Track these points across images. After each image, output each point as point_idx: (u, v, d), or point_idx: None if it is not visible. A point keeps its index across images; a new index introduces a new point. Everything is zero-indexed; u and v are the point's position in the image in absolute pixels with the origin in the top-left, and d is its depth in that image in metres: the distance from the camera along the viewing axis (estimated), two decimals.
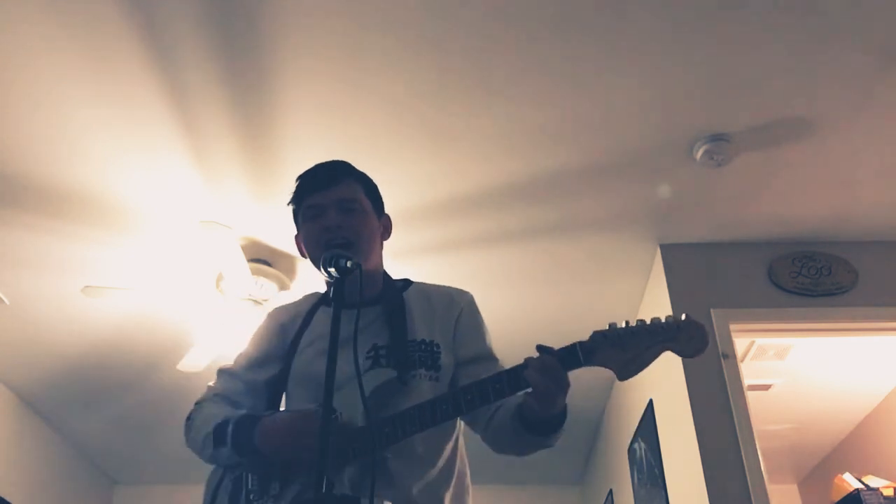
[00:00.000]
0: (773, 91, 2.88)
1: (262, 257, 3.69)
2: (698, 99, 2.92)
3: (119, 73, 2.77)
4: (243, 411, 1.61)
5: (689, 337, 1.40)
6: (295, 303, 1.83)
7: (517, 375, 1.43)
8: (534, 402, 1.42)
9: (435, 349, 1.62)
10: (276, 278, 3.69)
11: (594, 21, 2.61)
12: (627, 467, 4.37)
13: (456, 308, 1.71)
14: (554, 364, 1.39)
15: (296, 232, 1.77)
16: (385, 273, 1.76)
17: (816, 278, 3.54)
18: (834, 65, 2.77)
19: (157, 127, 2.99)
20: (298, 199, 1.72)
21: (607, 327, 1.42)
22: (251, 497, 1.52)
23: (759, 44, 2.70)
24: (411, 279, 1.80)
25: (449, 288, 1.78)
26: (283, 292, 3.72)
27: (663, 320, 1.41)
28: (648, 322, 1.41)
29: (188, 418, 1.67)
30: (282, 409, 1.67)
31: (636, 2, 2.55)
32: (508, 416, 1.52)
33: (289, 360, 1.66)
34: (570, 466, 5.82)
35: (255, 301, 3.67)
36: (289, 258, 3.70)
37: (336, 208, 1.65)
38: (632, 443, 4.25)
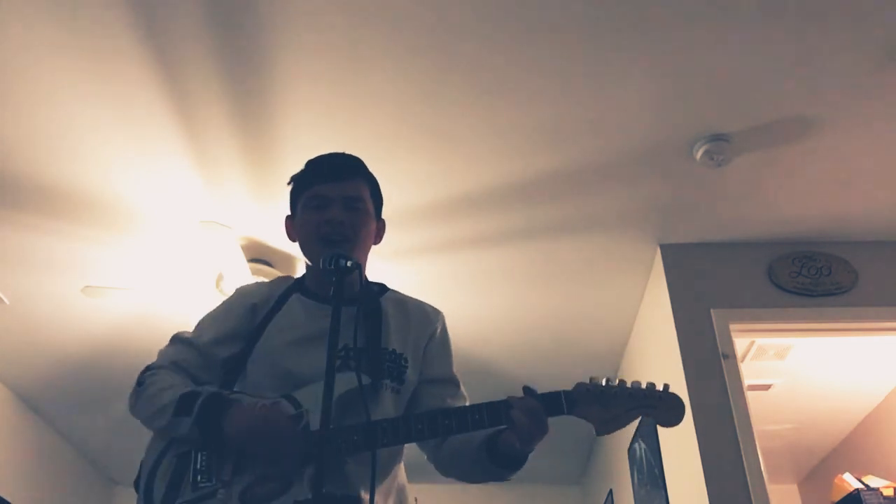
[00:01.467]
0: (773, 91, 2.88)
1: (262, 257, 3.69)
2: (698, 99, 2.92)
3: (120, 74, 2.77)
4: (213, 388, 1.54)
5: (668, 408, 1.48)
6: (267, 283, 1.79)
7: (497, 411, 1.45)
8: (514, 441, 1.45)
9: (403, 362, 1.61)
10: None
11: (594, 21, 2.61)
12: (627, 467, 4.37)
13: (431, 326, 1.71)
14: (539, 409, 1.43)
15: (289, 213, 1.74)
16: (365, 276, 1.74)
17: (816, 278, 3.54)
18: (834, 65, 2.77)
19: (158, 127, 2.99)
20: (303, 184, 1.69)
21: (588, 381, 1.49)
22: (198, 478, 1.45)
23: (759, 44, 2.70)
24: (387, 285, 1.77)
25: (424, 303, 1.77)
26: None
27: (643, 386, 1.48)
28: (629, 385, 1.48)
29: (139, 383, 1.58)
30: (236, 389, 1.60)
31: (636, 2, 2.55)
32: (473, 445, 1.53)
33: (253, 341, 1.62)
34: (570, 466, 5.82)
35: None
36: (289, 258, 3.70)
37: (341, 203, 1.64)
38: (632, 443, 4.25)
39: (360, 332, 1.57)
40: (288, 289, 1.71)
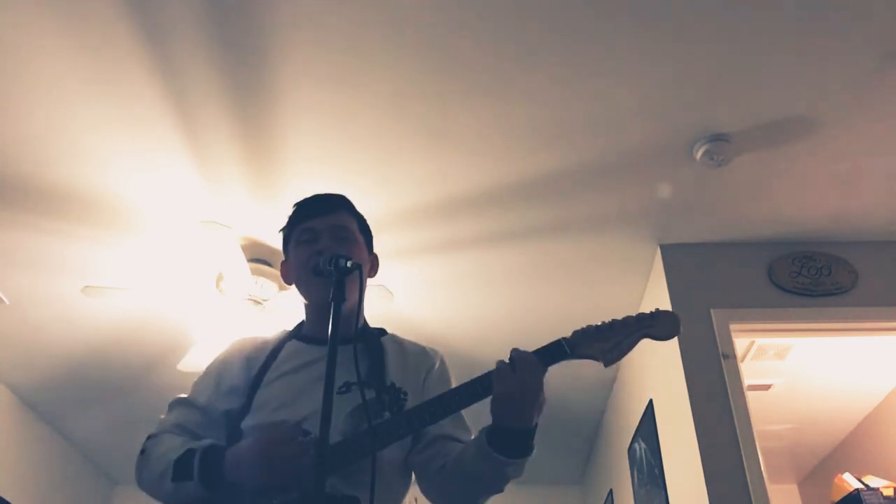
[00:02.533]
0: (773, 91, 2.88)
1: (262, 257, 3.69)
2: (698, 99, 2.92)
3: (119, 74, 2.77)
4: (208, 441, 1.48)
5: (664, 323, 1.53)
6: (262, 336, 1.77)
7: (479, 381, 1.45)
8: (513, 402, 1.40)
9: (402, 396, 1.60)
10: (276, 278, 3.69)
11: (594, 21, 2.61)
12: (627, 467, 4.37)
13: (429, 361, 1.70)
14: (526, 356, 1.43)
15: (283, 259, 1.75)
16: (364, 318, 1.74)
17: (816, 278, 3.54)
18: (834, 65, 2.77)
19: (158, 127, 2.99)
20: (291, 225, 1.71)
21: (584, 327, 1.52)
22: None
23: (759, 44, 2.70)
24: (386, 329, 1.77)
25: (421, 346, 1.76)
26: (282, 292, 3.72)
27: (635, 315, 1.54)
28: (622, 319, 1.53)
29: (142, 451, 1.54)
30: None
31: (636, 2, 2.55)
32: (473, 444, 1.50)
33: (251, 394, 1.58)
34: (570, 466, 5.82)
35: (255, 301, 3.67)
36: None
37: (330, 235, 1.64)
38: (632, 443, 4.25)
39: (360, 364, 1.54)
40: (284, 338, 1.71)
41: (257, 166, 3.20)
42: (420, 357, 1.71)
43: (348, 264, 1.42)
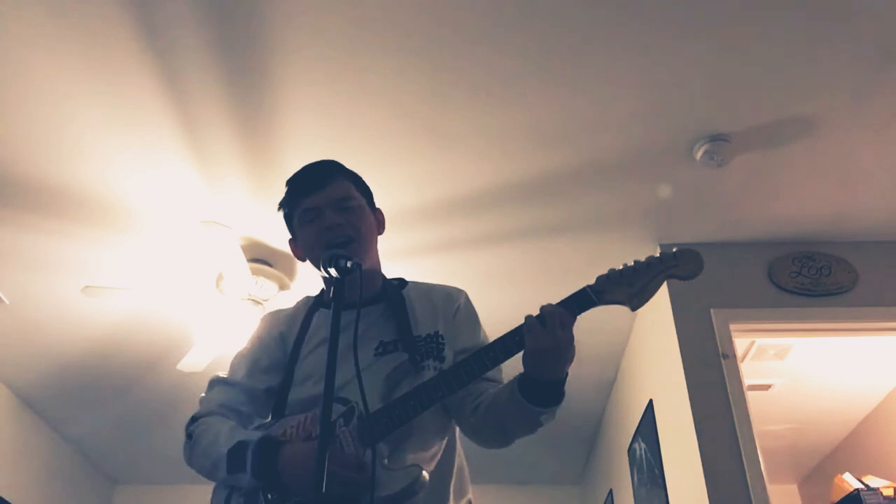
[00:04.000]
0: (773, 91, 2.88)
1: (262, 257, 3.69)
2: (698, 99, 2.92)
3: (119, 73, 2.77)
4: (258, 434, 1.53)
5: (687, 262, 1.53)
6: (290, 309, 1.81)
7: (510, 337, 1.49)
8: (544, 356, 1.43)
9: (440, 340, 1.64)
10: (276, 278, 3.69)
11: (593, 21, 2.61)
12: (627, 467, 4.37)
13: (454, 302, 1.74)
14: (556, 310, 1.45)
15: (290, 237, 1.76)
16: (382, 273, 1.78)
17: (816, 278, 3.54)
18: (834, 65, 2.77)
19: (158, 127, 2.99)
20: (291, 204, 1.71)
21: (607, 272, 1.52)
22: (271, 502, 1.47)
23: (759, 44, 2.70)
24: (406, 279, 1.80)
25: (446, 286, 1.81)
26: (283, 292, 3.72)
27: (657, 255, 1.54)
28: (644, 260, 1.53)
29: (188, 436, 1.60)
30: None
31: (635, 2, 2.55)
32: (504, 395, 1.53)
33: (290, 368, 1.64)
34: (570, 466, 5.82)
35: (255, 301, 3.67)
36: (289, 258, 3.70)
37: (333, 208, 1.65)
38: (632, 443, 4.25)
39: (385, 326, 1.62)
40: (310, 308, 1.74)
41: (257, 166, 3.20)
42: (445, 298, 1.74)
43: (348, 264, 1.44)
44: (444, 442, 1.62)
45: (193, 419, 1.64)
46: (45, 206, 3.34)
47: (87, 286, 3.54)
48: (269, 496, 1.48)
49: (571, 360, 1.46)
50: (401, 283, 1.78)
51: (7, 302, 3.91)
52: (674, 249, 1.55)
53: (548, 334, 1.42)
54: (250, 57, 2.73)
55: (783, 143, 3.10)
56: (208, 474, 1.56)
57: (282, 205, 1.75)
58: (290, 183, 1.73)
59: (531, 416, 1.48)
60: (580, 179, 3.28)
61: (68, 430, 5.19)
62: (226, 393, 1.67)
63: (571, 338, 1.44)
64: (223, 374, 1.72)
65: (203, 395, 1.71)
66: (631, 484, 4.30)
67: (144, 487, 5.90)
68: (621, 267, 1.51)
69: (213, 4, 2.55)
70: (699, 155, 3.10)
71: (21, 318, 4.04)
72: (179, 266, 3.72)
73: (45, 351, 4.33)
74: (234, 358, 1.75)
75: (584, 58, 2.74)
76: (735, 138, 3.07)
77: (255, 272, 3.57)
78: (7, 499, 4.46)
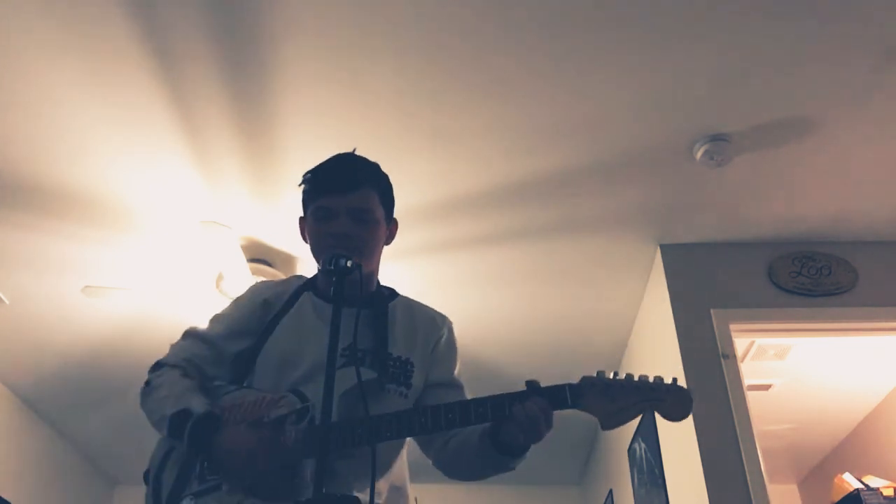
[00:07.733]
0: (773, 91, 2.88)
1: (262, 257, 3.69)
2: (698, 99, 2.92)
3: (120, 75, 2.77)
4: (205, 405, 1.52)
5: (675, 402, 1.46)
6: (281, 282, 1.79)
7: (501, 407, 1.43)
8: (518, 433, 1.42)
9: (409, 367, 1.62)
10: (276, 278, 3.69)
11: (593, 21, 2.61)
12: (627, 467, 4.37)
13: (437, 331, 1.71)
14: (546, 407, 1.41)
15: (301, 215, 1.73)
16: (378, 280, 1.76)
17: (816, 278, 3.54)
18: (834, 65, 2.77)
19: (158, 127, 2.99)
20: (311, 194, 1.67)
21: (595, 375, 1.44)
22: (206, 471, 1.48)
23: (759, 44, 2.70)
24: (397, 291, 1.78)
25: (432, 309, 1.78)
26: None
27: (651, 380, 1.45)
28: (636, 378, 1.44)
29: (147, 383, 1.62)
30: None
31: (635, 2, 2.55)
32: (475, 437, 1.52)
33: (263, 337, 1.63)
34: (570, 466, 5.82)
35: None
36: (289, 258, 3.70)
37: (348, 216, 1.61)
38: (632, 443, 4.25)
39: (363, 332, 1.57)
40: (300, 287, 1.72)
41: (257, 166, 3.20)
42: (429, 324, 1.72)
43: (348, 264, 1.45)
44: (396, 464, 1.61)
45: (157, 365, 1.65)
46: (45, 207, 3.35)
47: (87, 286, 3.54)
48: (206, 464, 1.49)
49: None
50: (391, 294, 1.75)
51: (7, 302, 3.91)
52: (673, 380, 1.47)
53: (533, 431, 1.41)
54: (251, 58, 2.73)
55: (783, 143, 3.10)
56: (155, 426, 1.60)
57: (304, 183, 1.70)
58: (318, 172, 1.69)
59: (502, 463, 1.50)
60: (580, 179, 3.28)
61: (68, 430, 5.19)
62: (197, 348, 1.66)
63: (551, 423, 1.42)
64: (201, 327, 1.71)
65: (174, 342, 1.71)
66: (631, 484, 4.30)
67: (144, 487, 5.89)
68: (611, 377, 1.43)
69: (213, 6, 2.55)
70: (699, 155, 3.10)
71: (21, 318, 4.04)
72: (179, 266, 3.72)
73: (45, 351, 4.33)
74: (215, 314, 1.74)
75: (584, 58, 2.74)
76: (735, 138, 3.07)
77: (255, 272, 3.57)
78: (7, 499, 4.45)
